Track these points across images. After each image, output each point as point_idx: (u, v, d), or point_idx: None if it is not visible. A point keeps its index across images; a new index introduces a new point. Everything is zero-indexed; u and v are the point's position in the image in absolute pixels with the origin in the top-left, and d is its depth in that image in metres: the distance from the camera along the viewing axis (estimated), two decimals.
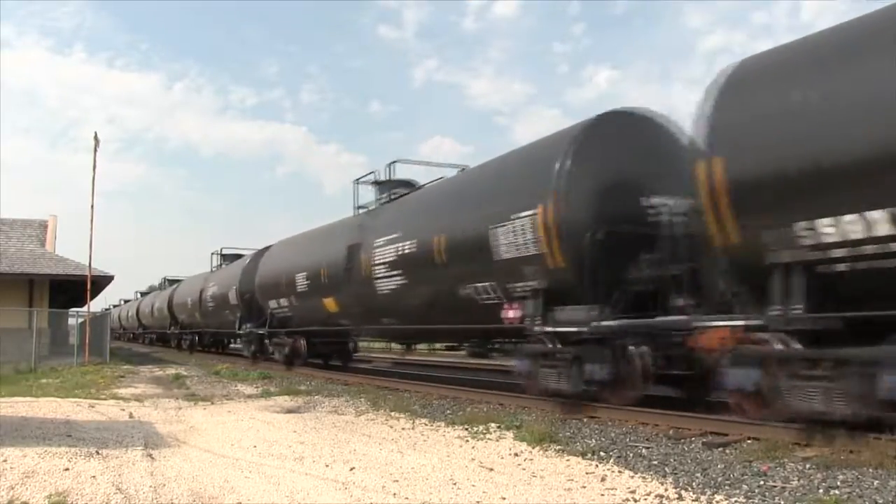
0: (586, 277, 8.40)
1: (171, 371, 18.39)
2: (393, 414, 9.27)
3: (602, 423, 7.93)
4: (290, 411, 9.78)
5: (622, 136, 9.06)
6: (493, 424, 7.91)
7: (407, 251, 11.94)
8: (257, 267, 20.41)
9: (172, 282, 38.00)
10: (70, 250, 61.75)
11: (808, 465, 5.34)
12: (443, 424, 8.27)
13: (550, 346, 8.97)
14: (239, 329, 21.79)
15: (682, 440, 6.70)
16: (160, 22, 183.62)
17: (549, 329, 8.94)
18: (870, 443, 5.55)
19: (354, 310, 14.45)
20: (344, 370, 17.57)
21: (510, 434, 7.35)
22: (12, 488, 5.01)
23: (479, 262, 10.07)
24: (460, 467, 5.87)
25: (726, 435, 6.65)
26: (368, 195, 15.82)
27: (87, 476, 5.41)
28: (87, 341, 20.78)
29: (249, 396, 12.09)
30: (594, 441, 6.88)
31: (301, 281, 16.76)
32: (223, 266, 27.31)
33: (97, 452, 6.28)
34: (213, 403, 10.89)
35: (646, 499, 4.74)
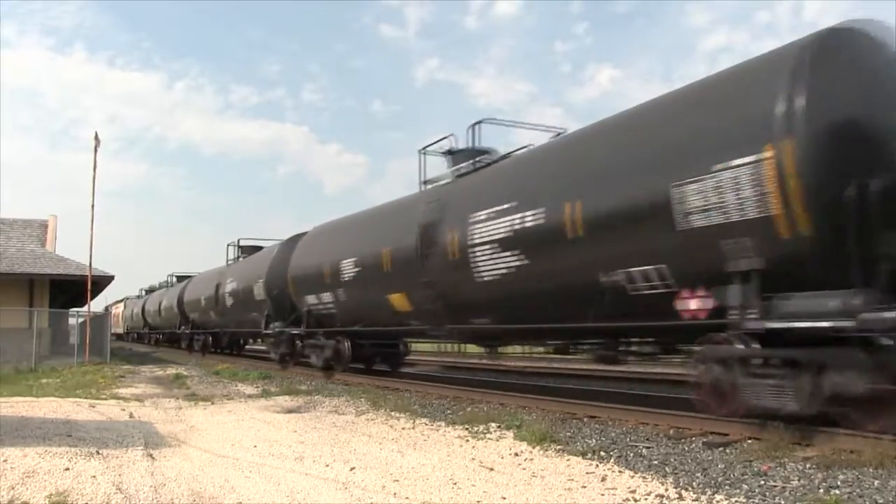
0: (845, 250, 6.00)
1: (172, 371, 18.40)
2: (393, 414, 9.27)
3: (602, 422, 7.93)
4: (290, 411, 9.79)
5: (860, 58, 6.69)
6: (493, 424, 7.91)
7: (529, 224, 9.07)
8: (289, 258, 17.48)
9: (181, 278, 35.49)
10: (70, 250, 61.90)
11: (808, 465, 5.34)
12: (443, 424, 8.27)
13: (742, 346, 6.52)
14: (266, 328, 19.00)
15: (683, 440, 6.70)
16: (161, 21, 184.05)
17: (773, 325, 6.31)
18: (870, 442, 5.55)
19: (432, 306, 11.65)
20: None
21: (510, 434, 7.35)
22: (13, 488, 5.02)
23: (643, 235, 7.52)
24: (460, 467, 5.87)
25: (727, 435, 6.65)
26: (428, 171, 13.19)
27: (87, 476, 5.42)
28: (87, 341, 20.81)
29: (250, 396, 12.09)
30: (594, 441, 6.88)
31: (352, 273, 14.03)
32: (241, 259, 23.97)
33: (97, 452, 6.29)
34: (213, 403, 10.90)
35: (646, 498, 4.74)
